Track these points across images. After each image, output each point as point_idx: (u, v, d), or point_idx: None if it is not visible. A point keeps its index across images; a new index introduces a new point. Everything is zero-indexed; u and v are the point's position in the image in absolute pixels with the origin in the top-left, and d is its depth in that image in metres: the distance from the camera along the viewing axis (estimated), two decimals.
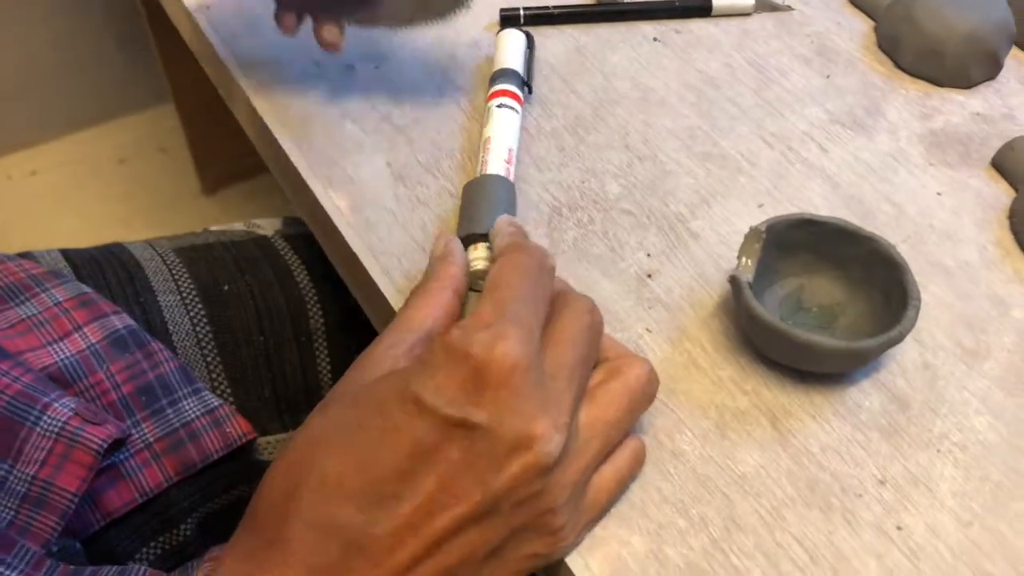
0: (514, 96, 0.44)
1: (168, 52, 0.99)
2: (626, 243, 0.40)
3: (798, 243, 0.37)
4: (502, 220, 0.36)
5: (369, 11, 0.44)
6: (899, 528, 0.31)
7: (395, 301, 0.39)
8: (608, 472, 0.31)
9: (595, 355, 0.31)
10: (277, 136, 0.45)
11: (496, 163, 0.40)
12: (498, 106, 0.43)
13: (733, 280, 0.35)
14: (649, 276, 0.39)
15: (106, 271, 0.48)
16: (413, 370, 0.28)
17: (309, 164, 0.43)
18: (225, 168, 1.16)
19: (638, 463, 0.32)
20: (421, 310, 0.32)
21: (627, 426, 0.31)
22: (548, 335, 0.30)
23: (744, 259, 0.36)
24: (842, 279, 0.37)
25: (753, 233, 0.36)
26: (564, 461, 0.28)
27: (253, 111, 0.46)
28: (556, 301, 0.31)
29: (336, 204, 0.42)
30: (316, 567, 0.26)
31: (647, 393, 0.31)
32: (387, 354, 0.30)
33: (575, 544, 0.30)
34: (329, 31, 0.43)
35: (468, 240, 0.37)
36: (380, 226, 0.41)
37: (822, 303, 0.37)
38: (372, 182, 0.43)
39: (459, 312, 0.33)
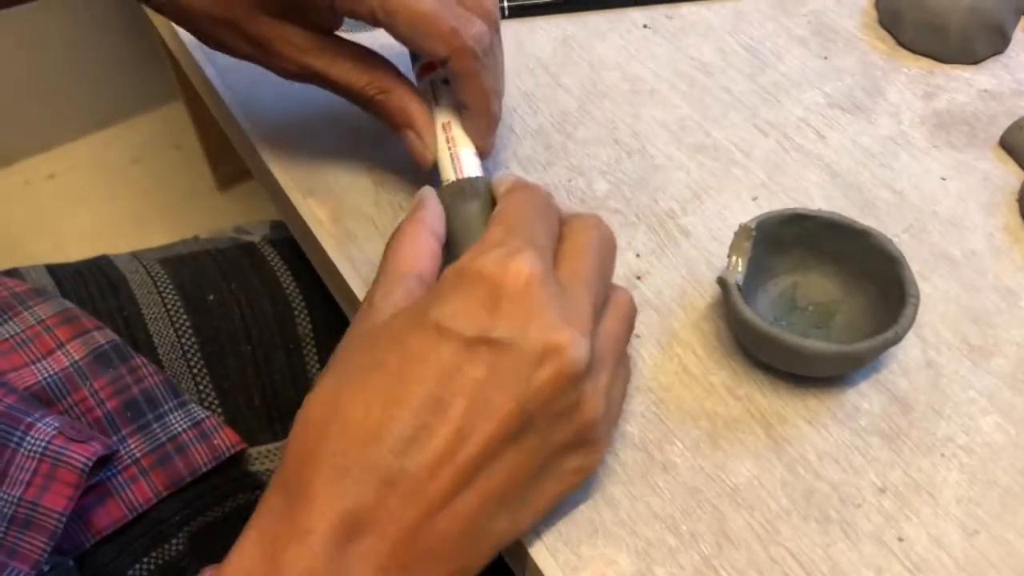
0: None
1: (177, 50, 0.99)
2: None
3: (790, 239, 0.35)
4: (503, 175, 0.35)
5: None
6: (900, 539, 0.30)
7: None
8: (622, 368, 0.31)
9: (610, 266, 0.31)
10: (256, 145, 0.44)
11: (469, 161, 0.37)
12: (443, 81, 0.39)
13: (722, 282, 0.33)
14: (639, 278, 0.38)
15: (90, 285, 0.48)
16: (427, 300, 0.27)
17: (288, 173, 0.42)
18: (240, 163, 1.16)
19: (632, 320, 0.32)
20: (404, 254, 0.31)
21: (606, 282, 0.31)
22: (560, 251, 0.30)
23: (734, 258, 0.34)
24: (838, 275, 0.35)
25: (743, 231, 0.34)
26: (593, 368, 0.28)
27: (232, 119, 0.45)
28: (565, 223, 0.31)
29: (316, 213, 0.41)
30: (349, 511, 0.25)
31: (611, 244, 0.32)
32: (385, 302, 0.29)
33: (609, 447, 0.31)
34: None
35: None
36: (360, 235, 0.40)
37: (817, 301, 0.36)
38: (352, 189, 0.41)
39: (441, 255, 0.32)
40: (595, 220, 0.31)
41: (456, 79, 0.35)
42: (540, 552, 0.30)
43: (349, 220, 0.40)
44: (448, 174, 0.36)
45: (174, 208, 1.18)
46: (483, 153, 0.37)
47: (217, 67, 0.47)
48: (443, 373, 0.26)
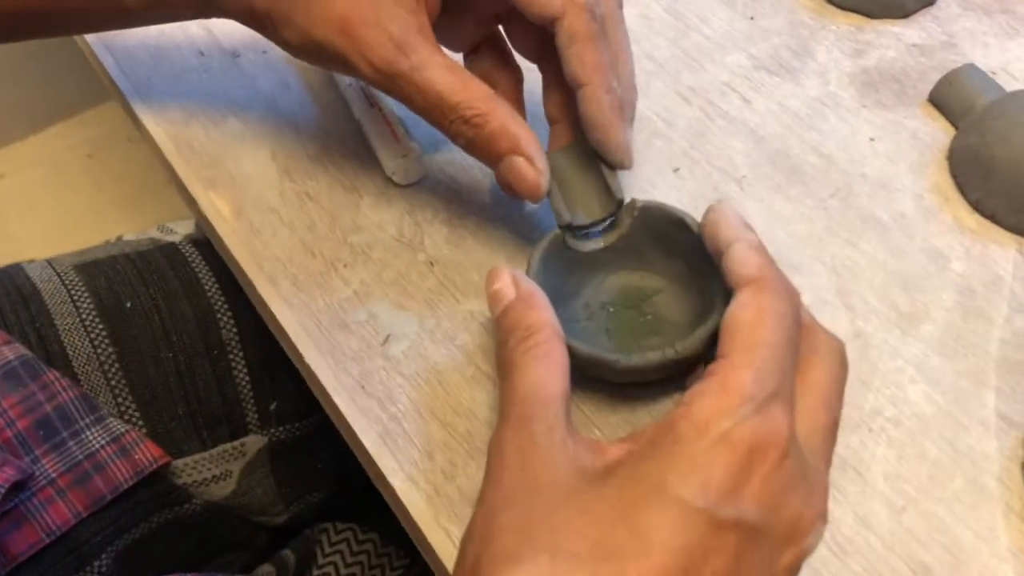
0: None
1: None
2: (532, 224, 0.37)
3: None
4: (729, 214, 0.28)
5: None
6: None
7: (280, 311, 0.36)
8: None
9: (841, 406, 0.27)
10: (153, 135, 0.41)
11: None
12: None
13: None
14: None
15: None
16: (660, 462, 0.23)
17: (189, 165, 0.40)
18: None
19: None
20: (543, 376, 0.26)
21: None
22: (800, 386, 0.25)
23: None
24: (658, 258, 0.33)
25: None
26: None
27: (131, 109, 0.43)
28: (802, 339, 0.26)
29: (217, 207, 0.39)
30: None
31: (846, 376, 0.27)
32: (551, 440, 0.24)
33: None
34: None
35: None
36: (264, 229, 0.38)
37: (619, 292, 0.33)
38: (256, 179, 0.39)
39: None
40: (840, 356, 0.26)
41: (569, 46, 0.30)
42: None
43: (253, 213, 0.38)
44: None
45: (134, 201, 1.16)
46: (612, 152, 0.32)
47: (115, 55, 0.45)
48: (689, 559, 0.22)
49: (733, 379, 0.23)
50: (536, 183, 0.31)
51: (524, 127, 0.32)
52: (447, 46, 0.35)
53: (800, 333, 0.25)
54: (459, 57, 0.36)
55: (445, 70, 0.31)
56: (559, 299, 0.32)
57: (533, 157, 0.31)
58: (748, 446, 0.22)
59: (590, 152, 0.33)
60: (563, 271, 0.33)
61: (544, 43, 0.34)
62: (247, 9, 0.34)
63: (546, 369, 0.26)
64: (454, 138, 0.33)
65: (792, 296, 0.26)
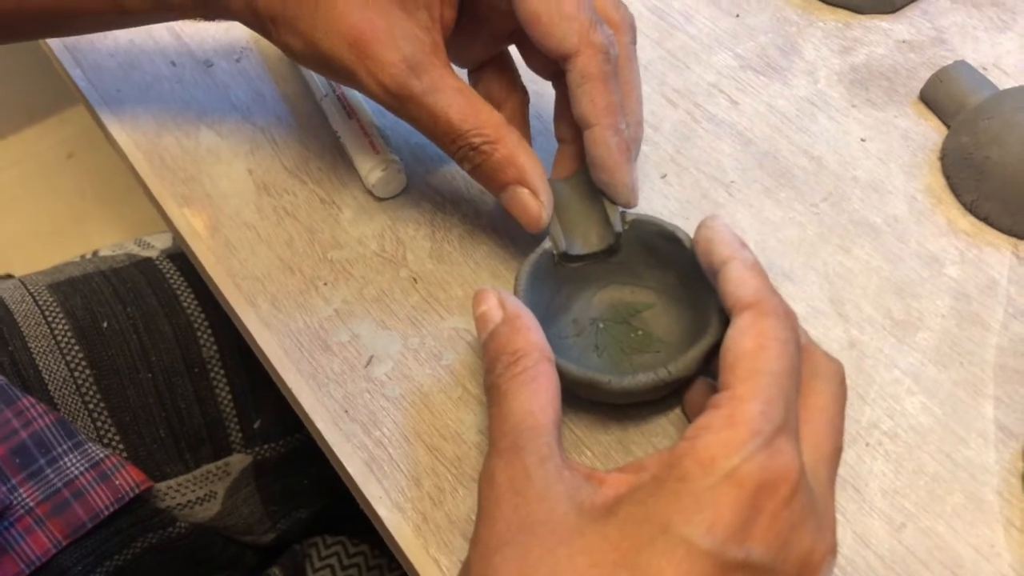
0: None
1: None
2: (517, 236, 0.36)
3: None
4: (722, 231, 0.27)
5: None
6: None
7: (259, 333, 0.35)
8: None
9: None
10: (125, 150, 0.40)
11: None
12: None
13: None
14: None
15: None
16: (667, 503, 0.22)
17: (162, 181, 0.39)
18: None
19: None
20: (533, 403, 0.25)
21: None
22: (802, 413, 0.24)
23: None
24: (653, 276, 0.32)
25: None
26: None
27: (102, 123, 0.41)
28: (803, 361, 0.25)
29: (192, 225, 0.37)
30: None
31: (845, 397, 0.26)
32: (545, 472, 0.24)
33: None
34: None
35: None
36: (242, 246, 0.37)
37: (626, 301, 0.32)
38: (232, 195, 0.38)
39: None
40: (839, 377, 0.26)
41: (580, 85, 0.30)
42: None
43: (229, 230, 0.37)
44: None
45: (112, 201, 1.14)
46: (617, 193, 0.31)
47: (84, 68, 0.43)
48: None
49: (740, 413, 0.22)
50: (538, 216, 0.31)
51: (531, 157, 0.31)
52: (456, 62, 0.34)
53: (799, 356, 0.25)
54: (464, 73, 0.35)
55: (457, 93, 0.30)
56: (548, 315, 0.31)
57: (538, 190, 0.31)
58: (757, 483, 0.21)
59: (591, 185, 0.32)
60: (552, 287, 0.32)
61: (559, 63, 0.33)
62: (251, 10, 0.32)
63: (535, 395, 0.25)
64: (460, 162, 0.32)
65: (791, 319, 0.25)
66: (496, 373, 0.26)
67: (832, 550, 0.23)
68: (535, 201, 0.31)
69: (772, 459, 0.22)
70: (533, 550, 0.22)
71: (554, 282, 0.32)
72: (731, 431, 0.22)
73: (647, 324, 0.32)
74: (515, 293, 0.30)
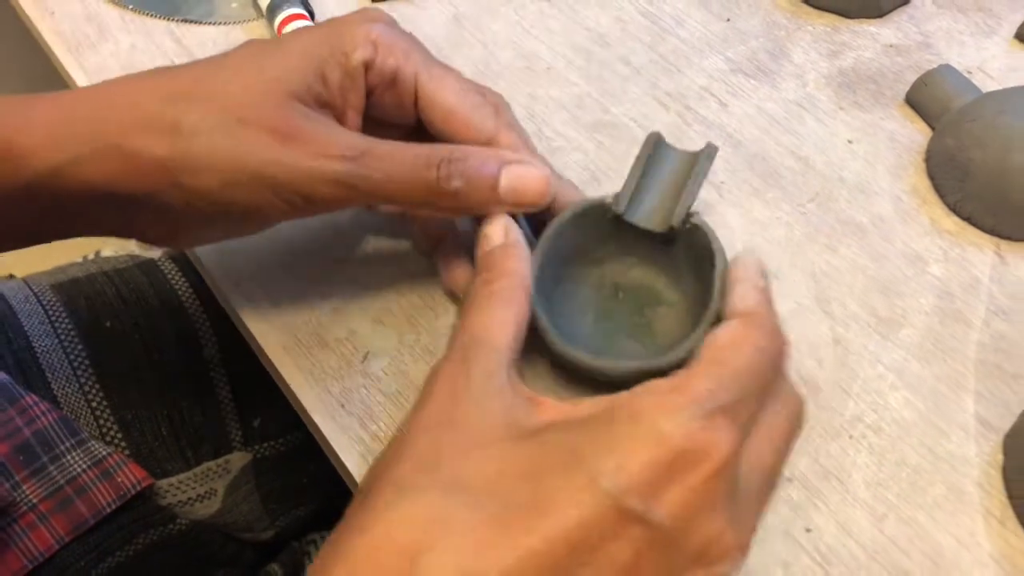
0: (305, 19, 0.40)
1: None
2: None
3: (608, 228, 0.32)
4: (750, 263, 0.28)
5: None
6: (808, 530, 0.29)
7: (258, 329, 0.35)
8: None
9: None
10: None
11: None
12: None
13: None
14: None
15: None
16: (584, 436, 0.22)
17: None
18: None
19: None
20: (496, 320, 0.26)
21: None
22: (755, 427, 0.24)
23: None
24: (661, 264, 0.32)
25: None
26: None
27: None
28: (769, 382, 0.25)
29: None
30: None
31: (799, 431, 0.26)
32: (487, 386, 0.24)
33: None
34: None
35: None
36: (242, 246, 0.37)
37: (632, 288, 0.33)
38: None
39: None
40: (800, 408, 0.26)
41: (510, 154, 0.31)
42: None
43: None
44: None
45: None
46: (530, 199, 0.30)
47: (87, 70, 0.44)
48: (582, 537, 0.21)
49: (687, 385, 0.23)
50: (543, 176, 0.30)
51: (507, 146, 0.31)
52: None
53: (773, 373, 0.25)
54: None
55: (400, 141, 0.29)
56: (579, 255, 0.32)
57: (529, 159, 0.30)
58: (678, 449, 0.21)
59: (689, 171, 0.32)
60: (601, 236, 0.31)
61: None
62: (126, 180, 0.28)
63: (502, 314, 0.26)
64: (446, 181, 0.29)
65: (778, 339, 0.25)
66: (476, 284, 0.27)
67: (742, 548, 0.23)
68: (533, 168, 0.30)
69: (702, 432, 0.22)
70: (445, 444, 0.23)
71: (606, 232, 0.31)
72: (671, 396, 0.22)
73: (656, 318, 0.32)
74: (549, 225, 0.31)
